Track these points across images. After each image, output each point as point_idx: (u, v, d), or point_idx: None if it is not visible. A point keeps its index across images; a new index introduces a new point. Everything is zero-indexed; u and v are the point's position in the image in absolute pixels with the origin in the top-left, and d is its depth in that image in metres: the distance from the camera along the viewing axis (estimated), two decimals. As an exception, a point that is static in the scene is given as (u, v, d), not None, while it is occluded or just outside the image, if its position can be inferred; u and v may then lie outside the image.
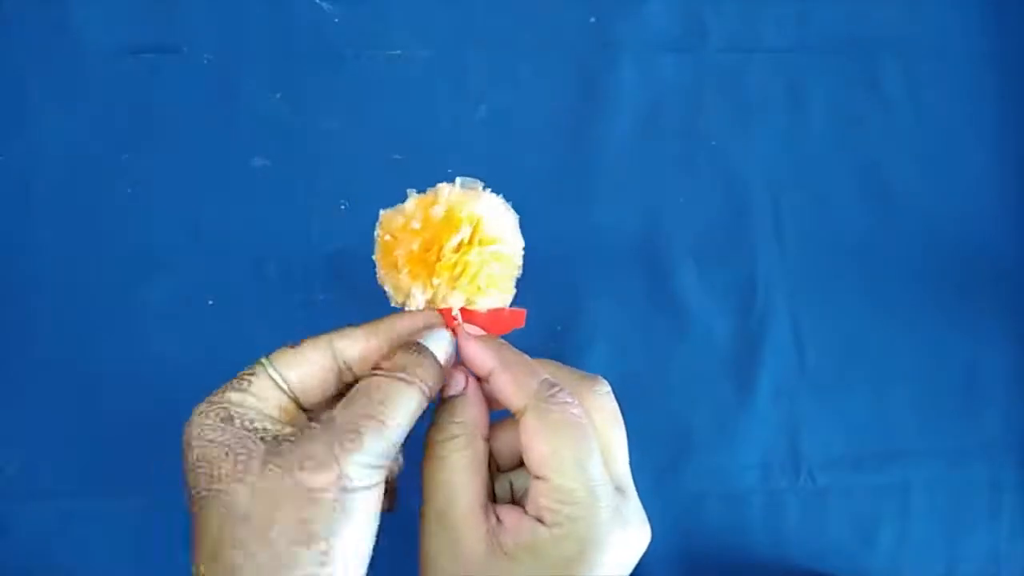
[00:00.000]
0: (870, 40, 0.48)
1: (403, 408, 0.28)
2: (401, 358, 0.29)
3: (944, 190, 0.48)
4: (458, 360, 0.32)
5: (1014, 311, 0.47)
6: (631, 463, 0.45)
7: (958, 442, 0.47)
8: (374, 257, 0.34)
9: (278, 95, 0.47)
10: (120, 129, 0.46)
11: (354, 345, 0.31)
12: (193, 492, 0.28)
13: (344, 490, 0.26)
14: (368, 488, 0.27)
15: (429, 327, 0.32)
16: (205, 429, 0.28)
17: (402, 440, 0.28)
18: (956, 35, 0.49)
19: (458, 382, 0.32)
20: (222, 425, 0.28)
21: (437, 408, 0.32)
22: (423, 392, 0.29)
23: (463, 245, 0.31)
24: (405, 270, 0.32)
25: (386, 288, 0.34)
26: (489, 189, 0.34)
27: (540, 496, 0.29)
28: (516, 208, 0.47)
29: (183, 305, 0.45)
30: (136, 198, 0.46)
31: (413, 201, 0.33)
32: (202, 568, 0.26)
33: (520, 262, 0.34)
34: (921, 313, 0.47)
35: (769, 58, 0.48)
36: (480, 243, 0.32)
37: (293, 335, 0.45)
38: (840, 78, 0.48)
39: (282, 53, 0.47)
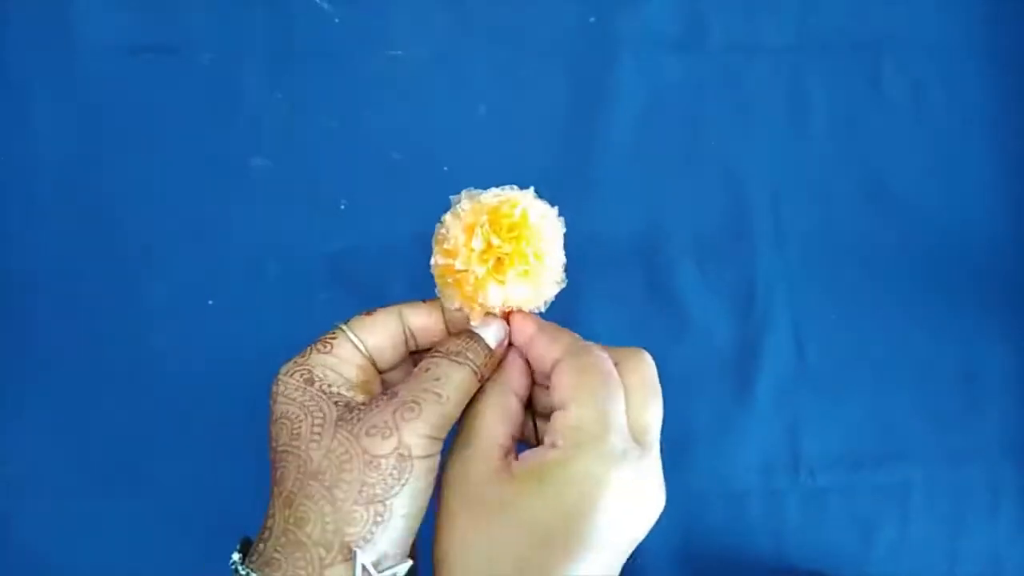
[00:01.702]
0: (871, 40, 0.48)
1: (456, 385, 0.31)
2: (456, 343, 0.32)
3: (944, 190, 0.48)
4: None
5: (1014, 311, 0.47)
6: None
7: (958, 442, 0.47)
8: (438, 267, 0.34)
9: (278, 95, 0.47)
10: (120, 129, 0.46)
11: (418, 317, 0.34)
12: (275, 444, 0.30)
13: (402, 457, 0.29)
14: (424, 458, 0.29)
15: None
16: (289, 388, 0.31)
17: (455, 415, 0.31)
18: (956, 35, 0.49)
19: (498, 334, 0.33)
20: (304, 386, 0.31)
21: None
22: (474, 372, 0.32)
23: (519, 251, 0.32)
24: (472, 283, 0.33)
25: (453, 298, 0.34)
26: (532, 191, 0.34)
27: (556, 423, 0.30)
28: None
29: (183, 305, 0.45)
30: (136, 198, 0.46)
31: (467, 212, 0.33)
32: (276, 514, 0.29)
33: (554, 260, 0.34)
34: (921, 313, 0.47)
35: (770, 58, 0.48)
36: (535, 254, 0.32)
37: (293, 334, 0.45)
38: (841, 78, 0.48)
39: (282, 53, 0.47)
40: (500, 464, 0.30)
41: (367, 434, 0.29)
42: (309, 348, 0.33)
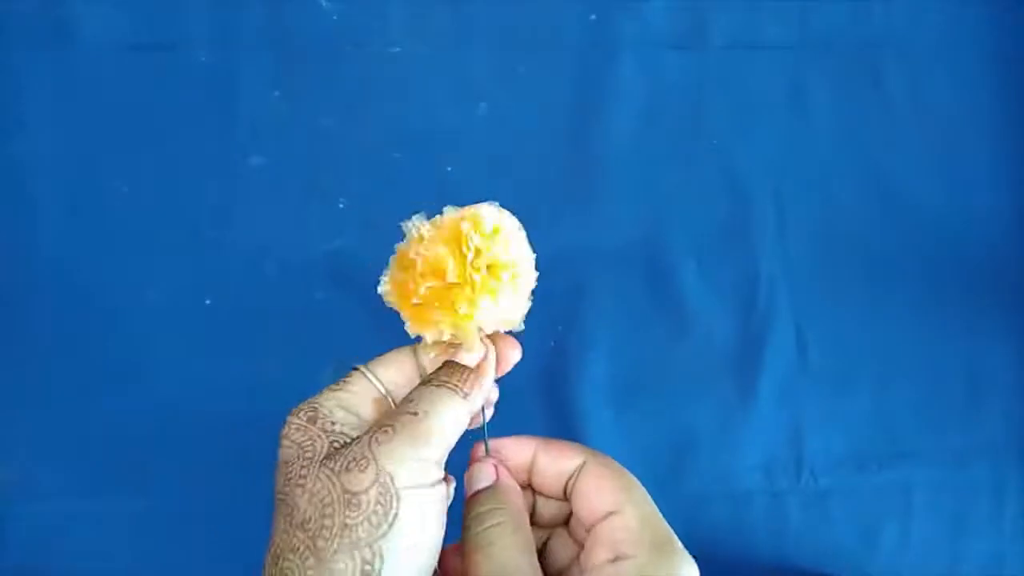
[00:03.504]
0: (871, 39, 0.48)
1: (432, 400, 0.28)
2: (434, 372, 0.31)
3: (945, 189, 0.48)
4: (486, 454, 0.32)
5: (1016, 311, 0.47)
6: (633, 464, 0.45)
7: (960, 443, 0.46)
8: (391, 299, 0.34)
9: (276, 93, 0.47)
10: (119, 127, 0.46)
11: (425, 355, 0.32)
12: (275, 493, 0.28)
13: (384, 490, 0.25)
14: (412, 489, 0.26)
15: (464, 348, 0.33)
16: (291, 428, 0.29)
17: (443, 433, 0.28)
18: (956, 35, 0.48)
19: (488, 474, 0.31)
20: (305, 425, 0.29)
21: (469, 503, 0.31)
22: (453, 389, 0.29)
23: (474, 270, 0.31)
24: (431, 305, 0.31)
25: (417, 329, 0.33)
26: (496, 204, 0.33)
27: (615, 532, 0.28)
28: (516, 207, 0.47)
29: (181, 304, 0.45)
30: (134, 197, 0.46)
31: (417, 235, 0.33)
32: (265, 572, 0.26)
33: (531, 272, 0.34)
34: (923, 314, 0.47)
35: (771, 56, 0.48)
36: (491, 267, 0.31)
37: (292, 334, 0.45)
38: (841, 77, 0.48)
39: (281, 51, 0.47)
40: None
41: (346, 469, 0.26)
42: (324, 388, 0.31)
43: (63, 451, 0.45)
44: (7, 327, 0.45)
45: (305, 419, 0.29)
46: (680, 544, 0.28)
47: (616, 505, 0.28)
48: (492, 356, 0.32)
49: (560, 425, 0.44)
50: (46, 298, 0.45)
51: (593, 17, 0.48)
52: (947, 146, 0.48)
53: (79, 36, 0.46)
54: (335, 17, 0.47)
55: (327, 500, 0.26)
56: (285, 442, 0.28)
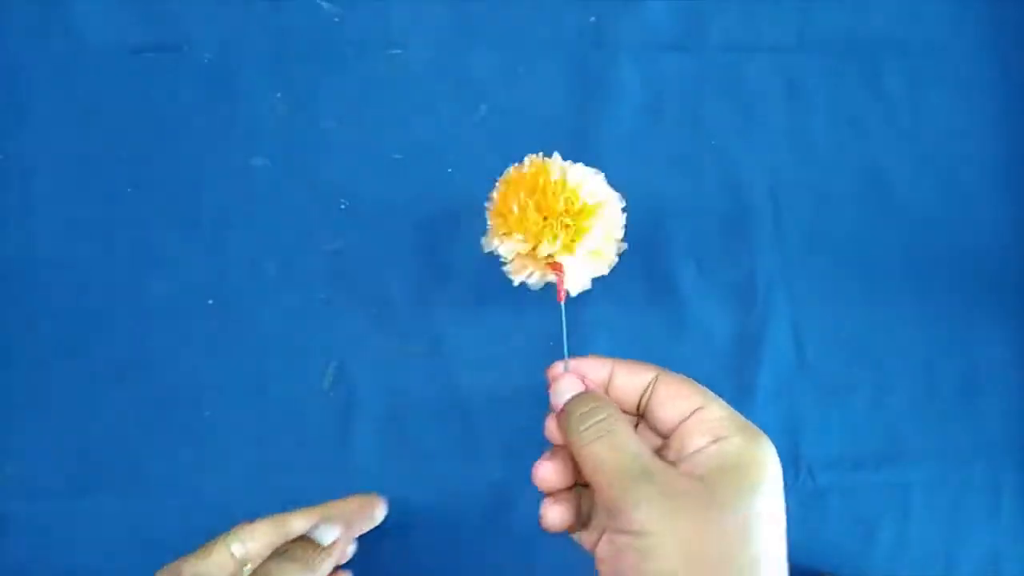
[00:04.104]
0: (870, 40, 0.48)
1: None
2: (286, 544, 0.35)
3: (944, 189, 0.48)
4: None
5: (1014, 311, 0.47)
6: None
7: (958, 442, 0.47)
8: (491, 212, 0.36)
9: (278, 94, 0.47)
10: (120, 128, 0.46)
11: (298, 523, 0.37)
12: None
13: None
14: None
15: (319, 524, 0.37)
16: None
17: None
18: (956, 35, 0.49)
19: (576, 383, 0.33)
20: None
21: (566, 410, 0.32)
22: (304, 566, 0.34)
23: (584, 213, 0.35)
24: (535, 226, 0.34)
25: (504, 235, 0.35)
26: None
27: (709, 422, 0.31)
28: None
29: (183, 304, 0.45)
30: (136, 197, 0.46)
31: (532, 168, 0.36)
32: None
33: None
34: (921, 313, 0.47)
35: (769, 57, 0.48)
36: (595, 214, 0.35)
37: (292, 334, 0.45)
38: (840, 77, 0.48)
39: (282, 52, 0.47)
40: (682, 478, 0.29)
41: None
42: (188, 554, 0.34)
43: (63, 451, 0.45)
44: (7, 327, 0.45)
45: None
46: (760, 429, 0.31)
47: (702, 402, 0.31)
48: (343, 540, 0.37)
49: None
50: (46, 298, 0.45)
51: (593, 19, 0.48)
52: (946, 146, 0.48)
53: (81, 37, 0.46)
54: (336, 19, 0.47)
55: None
56: None
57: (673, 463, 0.30)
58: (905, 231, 0.48)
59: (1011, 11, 0.49)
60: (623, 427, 0.31)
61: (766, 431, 0.47)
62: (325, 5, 0.47)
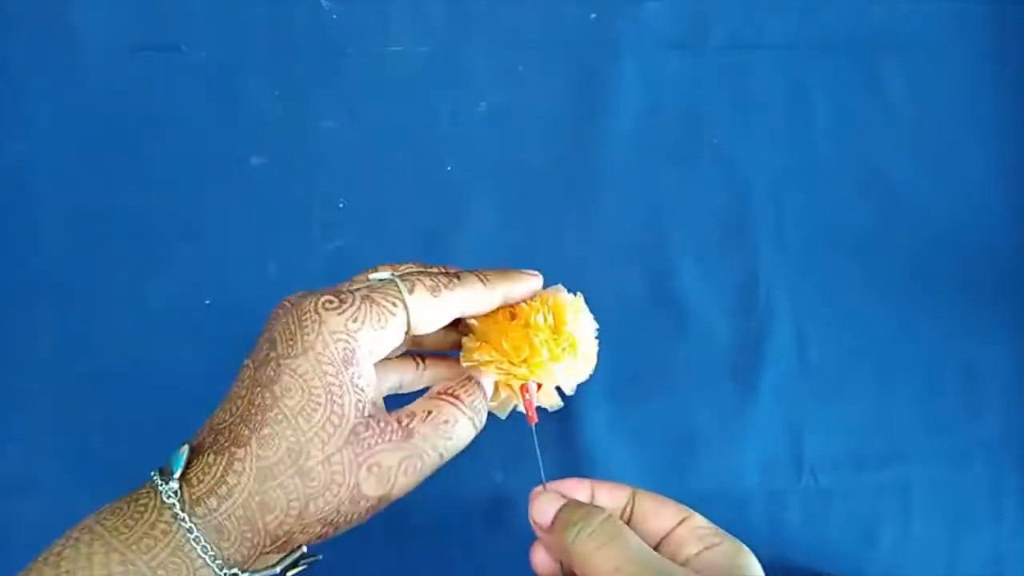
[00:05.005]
0: (871, 39, 0.48)
1: (459, 444, 0.32)
2: (469, 391, 0.34)
3: (944, 189, 0.48)
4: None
5: (1015, 311, 0.47)
6: (632, 464, 0.45)
7: (960, 442, 0.46)
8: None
9: (277, 93, 0.47)
10: (119, 128, 0.46)
11: (478, 304, 0.34)
12: (281, 400, 0.29)
13: (384, 503, 0.30)
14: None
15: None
16: (323, 358, 0.29)
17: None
18: (956, 35, 0.48)
19: (557, 498, 0.33)
20: (340, 367, 0.29)
21: (557, 521, 0.32)
22: (475, 428, 0.33)
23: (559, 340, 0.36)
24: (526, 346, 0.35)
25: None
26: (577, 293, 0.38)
27: (697, 530, 0.32)
28: (516, 206, 0.47)
29: (182, 305, 0.45)
30: (135, 197, 0.46)
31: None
32: (245, 476, 0.29)
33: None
34: (922, 313, 0.47)
35: (771, 56, 0.48)
36: (571, 345, 0.36)
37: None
38: (841, 77, 0.48)
39: (281, 50, 0.47)
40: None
41: (368, 470, 0.29)
42: (359, 302, 0.30)
43: (63, 450, 0.45)
44: (7, 327, 0.45)
45: (340, 354, 0.29)
46: None
47: (685, 513, 0.33)
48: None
49: (559, 425, 0.44)
50: (46, 298, 0.45)
51: (593, 16, 0.48)
52: (947, 146, 0.48)
53: (80, 36, 0.46)
54: (335, 17, 0.47)
55: (338, 480, 0.28)
56: (312, 359, 0.29)
57: None
58: (906, 231, 0.47)
59: (1012, 11, 0.49)
60: (628, 528, 0.30)
61: (768, 432, 0.47)
62: (324, 2, 0.47)
